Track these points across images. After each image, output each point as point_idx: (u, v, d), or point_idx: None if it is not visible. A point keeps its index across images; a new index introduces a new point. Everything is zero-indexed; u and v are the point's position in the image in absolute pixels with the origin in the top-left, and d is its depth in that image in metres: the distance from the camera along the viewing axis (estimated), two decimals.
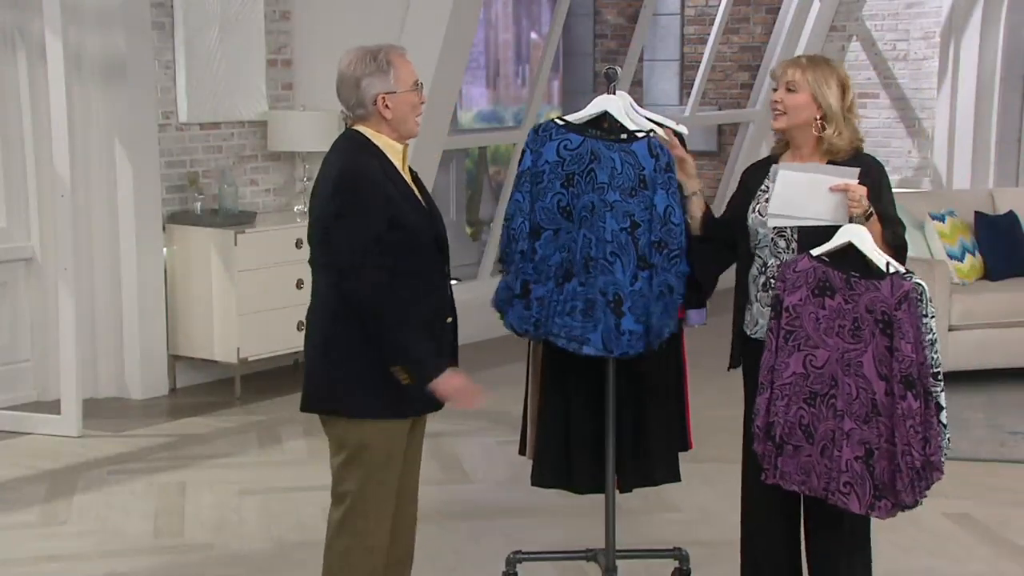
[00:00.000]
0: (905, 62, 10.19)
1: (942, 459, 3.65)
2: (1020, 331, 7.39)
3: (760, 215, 3.93)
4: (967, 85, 9.66)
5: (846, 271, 3.71)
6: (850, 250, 3.72)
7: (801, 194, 3.76)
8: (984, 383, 7.36)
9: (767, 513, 4.09)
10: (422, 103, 3.82)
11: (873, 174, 3.87)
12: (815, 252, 3.77)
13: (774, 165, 3.90)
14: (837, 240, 3.74)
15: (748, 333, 4.01)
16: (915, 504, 3.67)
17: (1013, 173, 9.87)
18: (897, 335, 3.60)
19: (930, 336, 3.62)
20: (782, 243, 3.91)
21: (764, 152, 10.44)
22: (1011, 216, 7.87)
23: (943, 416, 3.65)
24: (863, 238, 3.70)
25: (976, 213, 7.83)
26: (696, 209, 4.11)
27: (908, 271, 3.69)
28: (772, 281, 3.89)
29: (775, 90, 3.94)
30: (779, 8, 10.67)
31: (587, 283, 4.05)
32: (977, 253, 7.65)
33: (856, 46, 10.37)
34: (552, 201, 4.11)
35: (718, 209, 4.18)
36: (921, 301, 3.61)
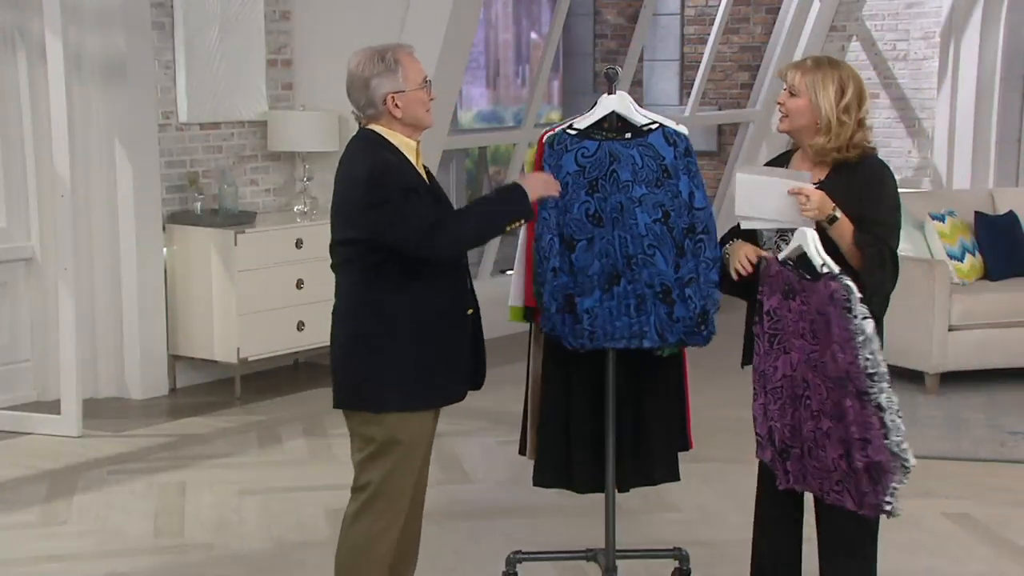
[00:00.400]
0: (905, 62, 10.19)
1: (899, 463, 3.55)
2: (1020, 331, 7.39)
3: None
4: (967, 85, 9.66)
5: (800, 273, 3.74)
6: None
7: (759, 196, 3.82)
8: (984, 383, 7.35)
9: (772, 513, 4.09)
10: (431, 100, 3.85)
11: (868, 178, 3.86)
12: (780, 256, 3.80)
13: (737, 170, 3.94)
14: (792, 244, 3.78)
15: (753, 328, 4.01)
16: (880, 505, 3.59)
17: (1013, 173, 9.87)
18: (828, 336, 3.62)
19: (861, 337, 3.57)
20: (784, 246, 3.91)
21: (764, 152, 10.51)
22: (1011, 216, 7.86)
23: (887, 417, 3.55)
24: (807, 239, 3.73)
25: (976, 213, 7.83)
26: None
27: (841, 272, 3.66)
28: None
29: (784, 89, 3.95)
30: (779, 8, 10.67)
31: (634, 280, 4.08)
32: (977, 253, 7.65)
33: (856, 46, 10.37)
34: (580, 211, 4.11)
35: (725, 209, 4.21)
36: (849, 301, 3.59)
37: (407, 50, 3.83)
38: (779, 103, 3.95)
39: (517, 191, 3.90)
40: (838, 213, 3.77)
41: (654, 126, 4.12)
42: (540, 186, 3.97)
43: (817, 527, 4.04)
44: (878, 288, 3.81)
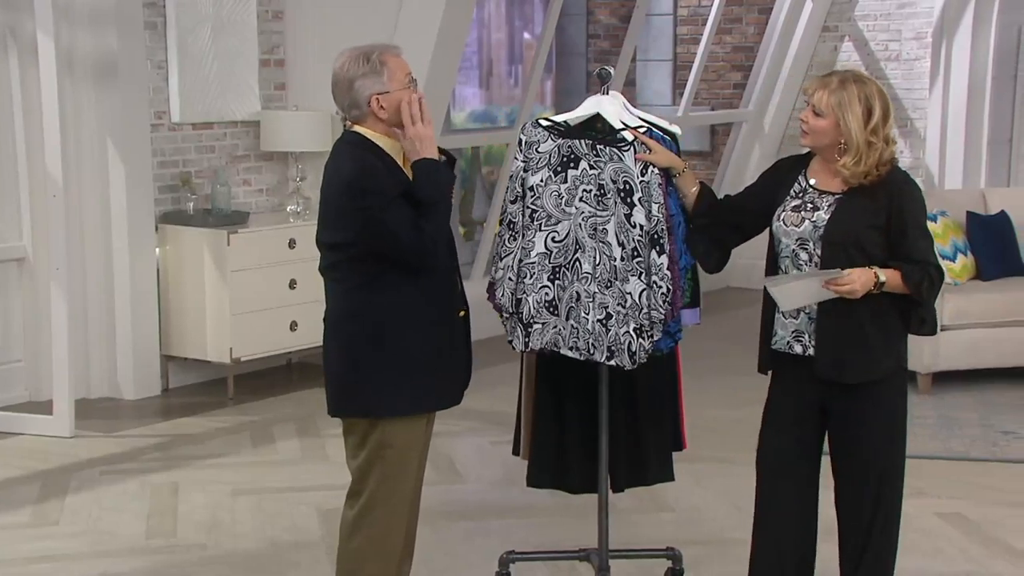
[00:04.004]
0: (897, 62, 10.19)
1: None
2: (1012, 331, 7.39)
3: (784, 224, 3.90)
4: (959, 85, 9.66)
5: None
6: (597, 119, 4.05)
7: (797, 295, 3.78)
8: (976, 383, 7.36)
9: (775, 513, 4.02)
10: (421, 97, 3.80)
11: (895, 191, 3.81)
12: (553, 122, 4.04)
13: (765, 282, 3.86)
14: (582, 111, 4.03)
15: (770, 342, 3.98)
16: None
17: (1004, 173, 9.86)
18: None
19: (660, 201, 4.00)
20: (804, 256, 3.87)
21: (757, 153, 10.52)
22: (1003, 216, 7.87)
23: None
24: (608, 108, 4.00)
25: (968, 213, 7.83)
26: (688, 186, 4.11)
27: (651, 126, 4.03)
28: None
29: (807, 102, 3.87)
30: (771, 8, 10.67)
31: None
32: (969, 253, 7.65)
33: (848, 46, 10.37)
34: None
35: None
36: (655, 166, 3.98)
37: (393, 51, 3.79)
38: (802, 119, 3.87)
39: (435, 167, 3.76)
40: (883, 276, 3.74)
41: (629, 136, 4.05)
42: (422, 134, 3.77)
43: (838, 507, 3.97)
44: (933, 306, 3.87)
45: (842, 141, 3.79)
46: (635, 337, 3.99)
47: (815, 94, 3.83)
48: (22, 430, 6.54)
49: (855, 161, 3.78)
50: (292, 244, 7.24)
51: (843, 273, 3.72)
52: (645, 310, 3.99)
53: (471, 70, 14.50)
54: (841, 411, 3.89)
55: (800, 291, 3.77)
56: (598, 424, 4.25)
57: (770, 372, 4.03)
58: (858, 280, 3.72)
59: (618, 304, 3.99)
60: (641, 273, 3.98)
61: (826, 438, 3.98)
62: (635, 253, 3.99)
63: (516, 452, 4.44)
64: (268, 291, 7.18)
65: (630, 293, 3.99)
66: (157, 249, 7.21)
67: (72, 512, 5.46)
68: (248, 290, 7.10)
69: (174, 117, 7.31)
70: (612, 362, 4.02)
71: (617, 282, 3.99)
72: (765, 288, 3.88)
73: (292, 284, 7.23)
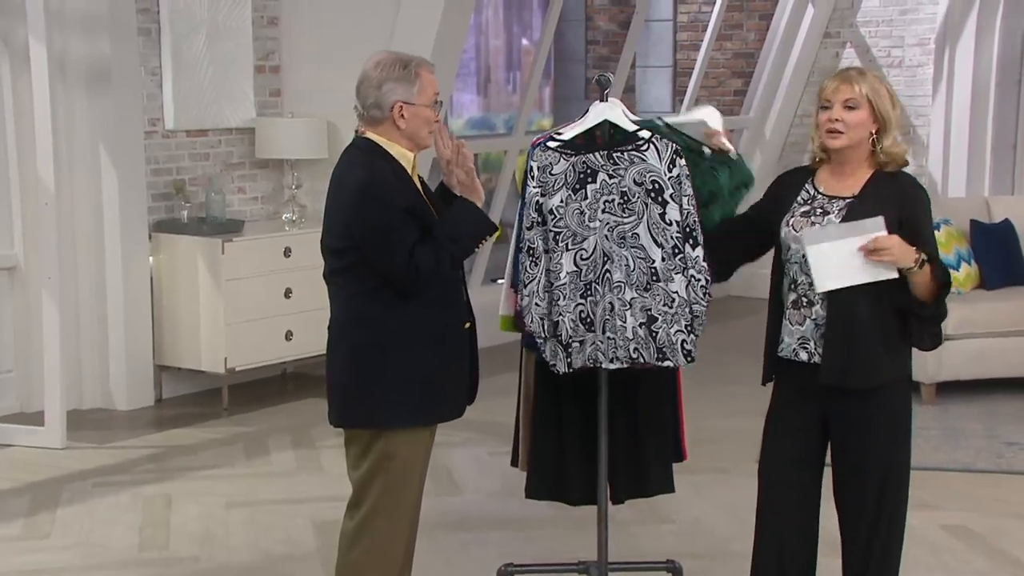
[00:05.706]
0: (900, 69, 10.14)
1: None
2: (1017, 340, 7.34)
3: (794, 229, 3.85)
4: (962, 92, 9.62)
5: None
6: (602, 127, 4.01)
7: (835, 263, 3.69)
8: (981, 393, 7.31)
9: (776, 520, 3.98)
10: (437, 121, 3.82)
11: (908, 199, 3.80)
12: (562, 141, 4.00)
13: (801, 234, 3.78)
14: (588, 123, 3.99)
15: (776, 350, 3.93)
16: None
17: (1009, 181, 9.81)
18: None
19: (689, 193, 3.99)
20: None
21: (758, 160, 10.46)
22: (1007, 224, 7.82)
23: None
24: (616, 112, 3.97)
25: (972, 221, 7.79)
26: None
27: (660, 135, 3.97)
28: (803, 299, 3.82)
29: (825, 108, 3.81)
30: (772, 14, 10.64)
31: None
32: (973, 262, 7.60)
33: (850, 53, 10.32)
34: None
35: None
36: (681, 158, 3.97)
37: (429, 67, 3.82)
38: (835, 120, 3.79)
39: (480, 216, 3.82)
40: (922, 255, 3.70)
41: (646, 134, 4.04)
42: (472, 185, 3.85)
43: (844, 545, 3.94)
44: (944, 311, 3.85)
45: (874, 129, 3.79)
46: (687, 334, 4.00)
47: (839, 90, 3.81)
48: (13, 441, 6.48)
49: (893, 141, 3.80)
50: (287, 253, 7.18)
51: (880, 227, 3.65)
52: (688, 305, 3.98)
53: (469, 77, 14.48)
54: (844, 419, 3.86)
55: (838, 256, 3.67)
56: (598, 435, 4.20)
57: (773, 381, 3.98)
58: (897, 245, 3.66)
59: (664, 305, 3.98)
60: (684, 269, 3.99)
61: (829, 448, 3.94)
62: (675, 251, 4.00)
63: (515, 463, 4.41)
64: (263, 300, 7.12)
65: (676, 292, 3.99)
66: (151, 258, 7.16)
67: (64, 525, 5.41)
68: (243, 299, 7.05)
69: (168, 124, 7.27)
70: (666, 363, 4.01)
71: (660, 283, 3.98)
72: (791, 243, 3.81)
73: (287, 293, 7.18)
